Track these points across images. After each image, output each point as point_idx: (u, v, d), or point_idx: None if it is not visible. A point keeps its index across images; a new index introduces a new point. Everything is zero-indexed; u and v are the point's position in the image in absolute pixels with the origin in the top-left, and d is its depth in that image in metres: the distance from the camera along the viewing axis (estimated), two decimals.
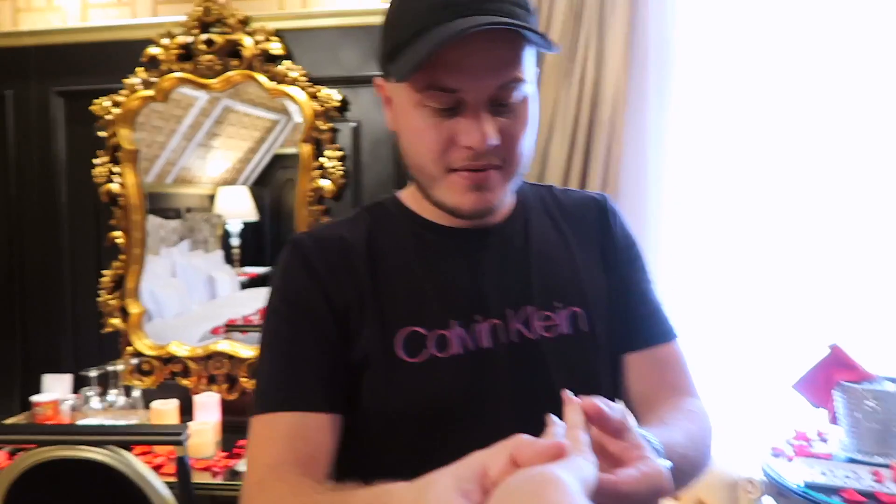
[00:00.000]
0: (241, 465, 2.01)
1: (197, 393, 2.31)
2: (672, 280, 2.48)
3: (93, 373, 2.30)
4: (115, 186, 2.34)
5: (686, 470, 0.68)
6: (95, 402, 2.29)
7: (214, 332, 2.48)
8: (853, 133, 2.29)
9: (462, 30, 0.65)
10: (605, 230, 0.88)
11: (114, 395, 2.33)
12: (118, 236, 2.37)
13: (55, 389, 2.38)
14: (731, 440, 2.34)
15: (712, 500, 2.19)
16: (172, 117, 2.45)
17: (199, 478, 1.97)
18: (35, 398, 2.28)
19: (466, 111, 0.70)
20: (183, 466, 1.65)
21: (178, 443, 1.63)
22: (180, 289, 2.63)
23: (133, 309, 2.39)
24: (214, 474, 1.99)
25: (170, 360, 2.41)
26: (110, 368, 2.34)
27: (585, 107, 2.38)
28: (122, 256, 2.38)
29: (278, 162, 2.54)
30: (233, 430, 2.19)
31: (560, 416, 0.79)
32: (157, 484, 1.65)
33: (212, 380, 2.36)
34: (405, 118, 0.74)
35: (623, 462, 0.55)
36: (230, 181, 2.58)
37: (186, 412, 2.25)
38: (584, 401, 0.53)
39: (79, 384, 2.38)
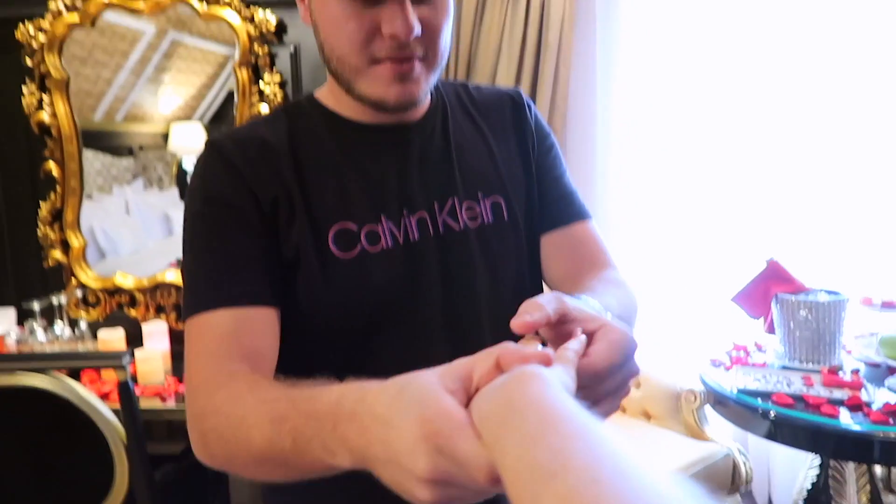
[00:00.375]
0: None
1: (145, 322, 2.29)
2: (618, 199, 2.51)
3: (36, 306, 2.26)
4: (45, 116, 2.25)
5: None
6: (41, 335, 2.26)
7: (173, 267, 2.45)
8: (787, 49, 2.31)
9: None
10: (520, 123, 0.89)
11: (59, 327, 2.30)
12: (52, 168, 2.29)
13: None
14: (673, 354, 2.43)
15: (657, 410, 2.27)
16: (118, 52, 2.35)
17: (149, 404, 1.98)
18: None
19: (389, 1, 0.69)
20: (126, 390, 1.64)
21: (120, 367, 1.63)
22: (135, 227, 2.58)
23: (74, 241, 2.34)
24: (164, 399, 2.00)
25: (116, 291, 2.38)
26: (54, 301, 2.31)
27: (532, 29, 2.34)
28: (58, 188, 2.31)
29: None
30: (181, 357, 2.18)
31: (481, 311, 0.80)
32: (103, 409, 1.65)
33: (160, 310, 2.34)
34: (323, 8, 0.72)
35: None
36: (184, 118, 2.50)
37: (136, 342, 2.24)
38: (514, 324, 0.52)
39: (23, 317, 2.34)
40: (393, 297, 0.76)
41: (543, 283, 0.91)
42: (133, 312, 2.36)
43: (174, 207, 2.59)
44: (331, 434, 0.49)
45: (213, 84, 2.41)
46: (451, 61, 2.41)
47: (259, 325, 0.71)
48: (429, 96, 0.83)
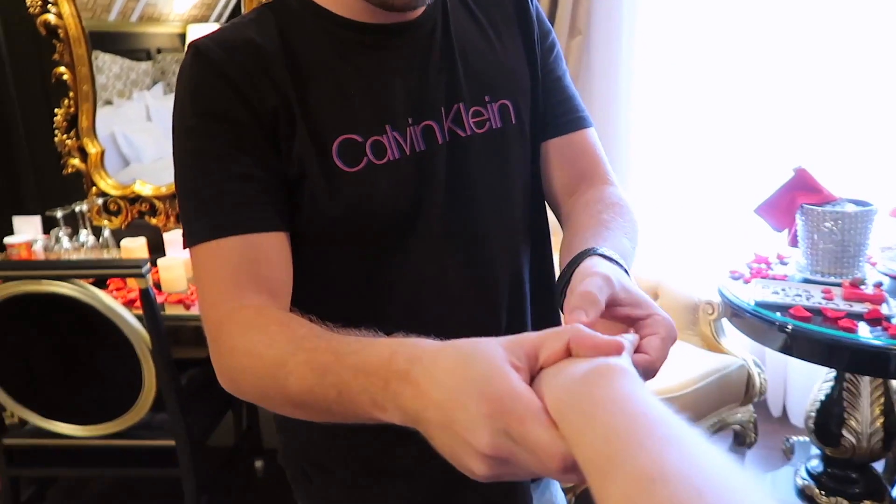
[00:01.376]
0: None
1: (167, 231, 2.32)
2: (640, 104, 2.42)
3: (59, 213, 2.29)
4: (51, 17, 2.18)
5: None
6: (66, 243, 2.30)
7: None
8: None
9: None
10: (524, 17, 0.83)
11: (84, 235, 2.34)
12: (63, 72, 2.25)
13: (25, 231, 2.38)
14: (692, 265, 2.41)
15: (675, 321, 2.28)
16: None
17: (172, 310, 2.03)
18: (7, 240, 2.29)
19: None
20: (147, 297, 1.68)
21: (140, 275, 1.65)
22: (156, 133, 2.56)
23: (91, 148, 2.34)
24: (188, 307, 2.05)
25: (136, 199, 2.39)
26: (76, 209, 2.33)
27: None
28: (70, 94, 2.28)
29: None
30: None
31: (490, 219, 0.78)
32: (127, 316, 1.70)
33: (180, 218, 2.35)
34: None
35: (632, 323, 0.55)
36: (201, 18, 2.41)
37: (158, 250, 2.27)
38: (569, 319, 0.50)
39: (48, 225, 2.38)
40: (401, 209, 0.74)
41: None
42: (154, 221, 2.38)
43: None
44: (382, 391, 0.48)
45: None
46: None
47: (272, 253, 0.68)
48: None
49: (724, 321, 2.18)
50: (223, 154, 0.68)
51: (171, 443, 1.85)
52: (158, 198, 2.35)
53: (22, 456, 1.94)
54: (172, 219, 2.37)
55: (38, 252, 2.30)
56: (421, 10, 0.76)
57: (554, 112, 0.84)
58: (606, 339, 0.44)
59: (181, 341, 2.38)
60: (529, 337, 0.45)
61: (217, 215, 0.67)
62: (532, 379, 0.43)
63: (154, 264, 2.24)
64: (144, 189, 2.37)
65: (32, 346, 1.79)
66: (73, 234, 2.34)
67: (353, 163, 0.71)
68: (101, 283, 2.18)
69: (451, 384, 0.43)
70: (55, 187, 2.45)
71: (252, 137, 0.69)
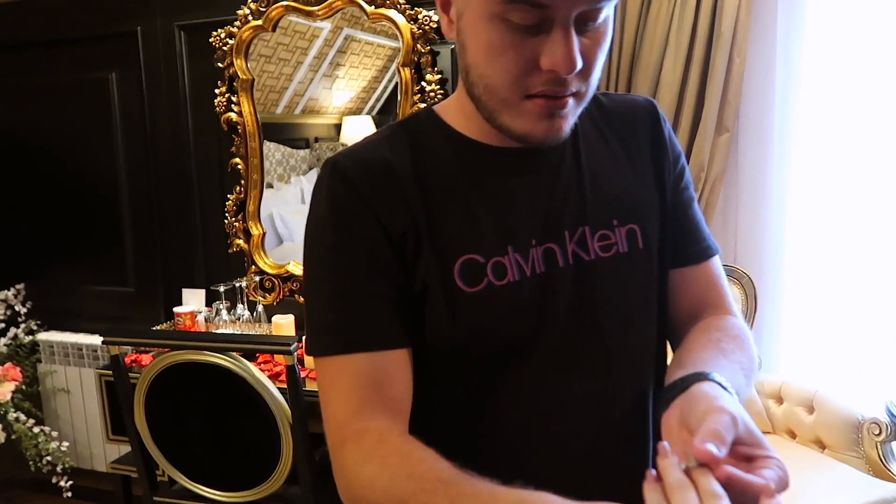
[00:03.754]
0: None
1: None
2: (796, 201, 2.31)
3: (221, 288, 2.52)
4: (233, 115, 2.47)
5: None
6: (225, 315, 2.52)
7: None
8: None
9: None
10: (657, 139, 0.82)
11: (240, 309, 2.54)
12: (238, 163, 2.53)
13: (192, 302, 2.63)
14: (855, 376, 2.19)
15: (832, 440, 2.06)
16: (298, 49, 2.54)
17: (313, 386, 2.13)
18: (176, 309, 2.54)
19: (552, 30, 0.62)
20: (292, 374, 1.78)
21: (288, 352, 1.76)
22: None
23: (254, 230, 2.57)
24: None
25: (289, 278, 2.58)
26: (237, 284, 2.55)
27: (704, 17, 2.19)
28: (242, 182, 2.55)
29: None
30: None
31: (610, 344, 0.77)
32: (273, 389, 1.81)
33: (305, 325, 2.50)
34: (476, 31, 0.65)
35: (750, 461, 0.56)
36: (355, 111, 2.65)
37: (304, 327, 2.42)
38: (698, 449, 0.51)
39: (211, 298, 2.62)
40: (519, 332, 0.73)
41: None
42: (302, 299, 2.55)
43: None
44: None
45: (382, 77, 2.51)
46: (613, 53, 2.32)
47: (396, 371, 0.70)
48: None
49: (894, 445, 1.95)
50: (357, 272, 0.71)
51: None
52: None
53: None
54: None
55: (201, 322, 2.53)
56: None
57: (683, 241, 0.84)
58: None
59: (318, 416, 2.48)
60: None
61: (347, 331, 0.70)
62: None
63: (300, 341, 2.39)
64: (297, 269, 2.55)
65: (187, 411, 1.94)
66: (232, 307, 2.55)
67: (473, 283, 0.72)
68: (251, 355, 2.35)
69: None
70: (221, 264, 2.71)
71: (384, 256, 0.71)
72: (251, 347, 2.00)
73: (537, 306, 0.74)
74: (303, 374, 2.19)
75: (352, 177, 0.72)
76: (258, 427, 1.86)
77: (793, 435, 2.20)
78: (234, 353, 1.81)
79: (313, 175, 2.75)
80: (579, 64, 0.63)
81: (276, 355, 2.25)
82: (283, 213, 2.72)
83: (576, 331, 0.75)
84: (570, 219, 0.76)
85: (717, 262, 0.86)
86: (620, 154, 0.81)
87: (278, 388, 1.82)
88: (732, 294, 2.30)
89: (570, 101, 0.68)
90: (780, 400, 2.25)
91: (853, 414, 2.02)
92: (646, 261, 0.79)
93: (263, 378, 1.80)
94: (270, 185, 2.70)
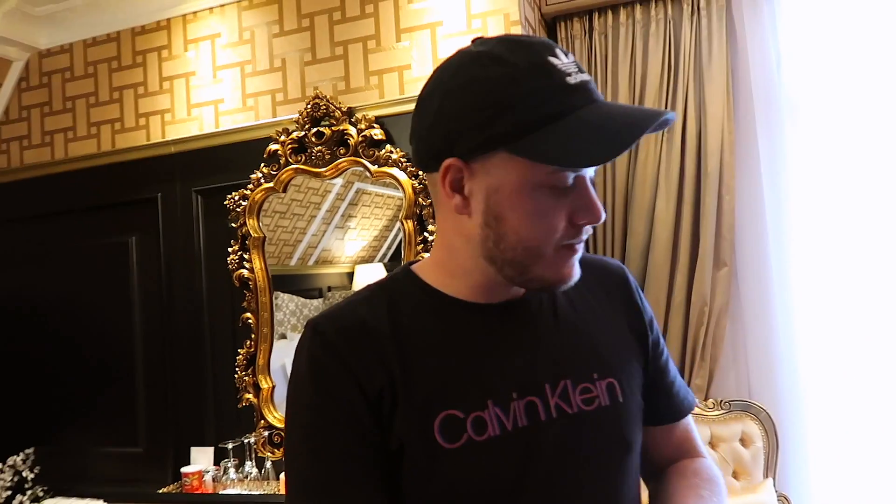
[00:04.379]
0: None
1: None
2: (810, 332, 2.29)
3: (230, 445, 2.48)
4: (245, 271, 2.56)
5: None
6: (233, 473, 2.46)
7: None
8: None
9: (653, 125, 0.67)
10: (629, 300, 0.88)
11: (248, 466, 2.49)
12: (249, 317, 2.58)
13: (200, 461, 2.58)
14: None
15: None
16: (311, 204, 2.67)
17: None
18: (183, 469, 2.49)
19: (578, 188, 0.71)
20: None
21: None
22: None
23: (264, 384, 2.57)
24: None
25: None
26: (245, 441, 2.51)
27: (690, 158, 2.30)
28: (252, 336, 2.59)
29: None
30: None
31: (591, 494, 0.78)
32: None
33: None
34: (520, 201, 0.70)
35: None
36: (367, 259, 2.73)
37: None
38: None
39: (220, 456, 2.57)
40: (500, 488, 0.73)
41: None
42: None
43: None
44: None
45: (392, 226, 2.61)
46: (608, 194, 2.42)
47: None
48: None
49: None
50: (334, 433, 0.72)
51: None
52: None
53: None
54: None
55: (208, 482, 2.47)
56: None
57: (663, 401, 0.89)
58: None
59: None
60: None
61: (323, 493, 0.70)
62: None
63: None
64: None
65: None
66: (240, 465, 2.50)
67: (453, 439, 0.72)
68: None
69: None
70: (231, 420, 2.68)
71: (361, 416, 0.72)
72: None
73: (519, 461, 0.73)
74: None
75: (330, 338, 0.75)
76: None
77: None
78: None
79: None
80: (605, 214, 0.72)
81: None
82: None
83: (557, 484, 0.75)
84: (551, 372, 0.77)
85: (690, 417, 0.93)
86: (597, 309, 0.84)
87: None
88: (750, 431, 2.21)
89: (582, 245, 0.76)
90: None
91: None
92: (626, 412, 0.80)
93: None
94: (284, 336, 2.73)
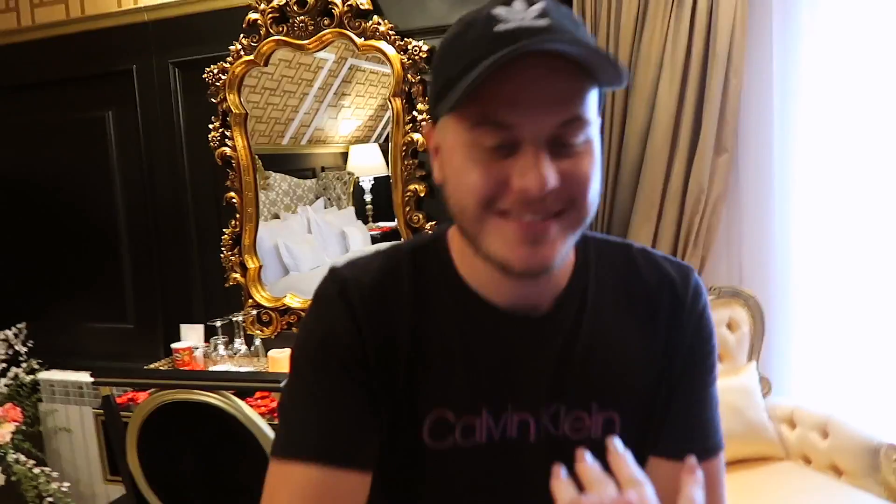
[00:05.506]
0: None
1: None
2: (798, 221, 2.26)
3: (218, 323, 2.49)
4: (227, 149, 2.47)
5: None
6: (222, 350, 2.49)
7: None
8: None
9: (517, 49, 0.56)
10: (675, 319, 0.75)
11: (238, 343, 2.51)
12: (233, 196, 2.52)
13: (190, 338, 2.61)
14: (871, 398, 2.12)
15: (849, 466, 1.98)
16: (303, 81, 2.55)
17: None
18: (174, 345, 2.52)
19: (523, 151, 0.61)
20: None
21: (278, 389, 1.72)
22: (314, 244, 2.77)
23: (250, 264, 2.55)
24: None
25: (286, 311, 2.55)
26: (234, 319, 2.52)
27: (699, 38, 2.16)
28: (237, 215, 2.54)
29: None
30: None
31: None
32: (265, 427, 1.76)
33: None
34: (452, 160, 0.65)
35: None
36: (362, 139, 2.65)
37: None
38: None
39: (210, 333, 2.59)
40: (477, 495, 0.72)
41: None
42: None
43: (350, 225, 2.76)
44: None
45: (388, 105, 2.51)
46: None
47: (345, 495, 0.67)
48: (569, 262, 0.74)
49: None
50: (333, 389, 0.69)
51: None
52: (306, 310, 2.49)
53: None
54: None
55: (199, 358, 2.50)
56: (552, 292, 0.73)
57: (678, 434, 0.75)
58: None
59: None
60: None
61: (309, 436, 0.67)
62: None
63: None
64: (294, 302, 2.52)
65: (181, 451, 1.90)
66: (229, 342, 2.52)
67: (439, 439, 0.71)
68: (249, 391, 2.31)
69: None
70: (219, 299, 2.68)
71: (361, 385, 0.70)
72: (241, 385, 1.96)
73: (499, 473, 0.72)
74: None
75: (350, 299, 0.71)
76: (252, 466, 1.81)
77: (808, 461, 2.11)
78: (226, 392, 1.77)
79: (320, 204, 2.75)
80: (551, 182, 0.60)
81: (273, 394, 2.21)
82: (290, 244, 2.70)
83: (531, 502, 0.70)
84: (549, 392, 0.73)
85: (716, 462, 0.75)
86: (629, 329, 0.75)
87: (273, 425, 1.77)
88: (738, 316, 2.21)
89: (554, 224, 0.64)
90: (792, 424, 2.17)
91: (870, 439, 1.94)
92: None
93: (255, 416, 1.76)
94: (277, 216, 2.69)
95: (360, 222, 2.77)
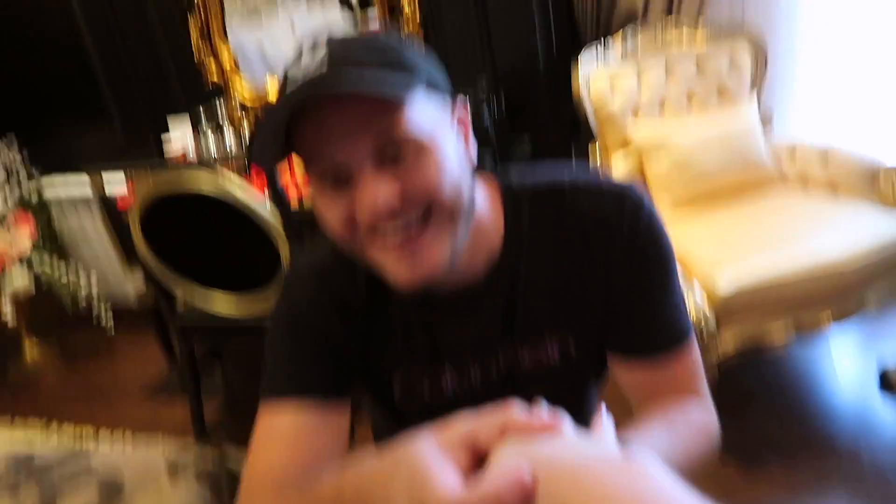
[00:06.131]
0: None
1: None
2: None
3: (202, 112, 2.42)
4: None
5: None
6: (211, 139, 2.45)
7: None
8: None
9: (296, 103, 0.59)
10: (612, 248, 0.76)
11: (226, 133, 2.47)
12: None
13: (178, 129, 2.56)
14: (872, 125, 2.06)
15: (848, 186, 1.96)
16: None
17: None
18: (165, 145, 2.49)
19: (354, 181, 0.63)
20: (275, 191, 1.75)
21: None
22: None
23: (224, 53, 2.41)
24: None
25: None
26: (217, 103, 2.45)
27: None
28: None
29: None
30: None
31: None
32: (259, 209, 1.78)
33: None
34: (314, 197, 0.68)
35: None
36: None
37: None
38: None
39: (195, 122, 2.54)
40: None
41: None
42: None
43: (335, 25, 2.55)
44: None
45: None
46: None
47: (325, 428, 0.73)
48: (494, 229, 0.77)
49: None
50: (303, 343, 0.77)
51: None
52: None
53: (192, 331, 2.18)
54: None
55: (190, 149, 2.47)
56: (486, 267, 0.77)
57: (636, 332, 0.78)
58: (544, 420, 0.42)
59: (317, 223, 2.48)
60: (461, 425, 0.44)
61: (284, 380, 0.75)
62: (475, 459, 0.43)
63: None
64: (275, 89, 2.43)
65: (187, 235, 1.95)
66: (217, 129, 2.47)
67: (409, 399, 0.80)
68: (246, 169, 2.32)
69: (386, 491, 0.46)
70: (197, 87, 2.59)
71: (329, 349, 0.77)
72: (229, 168, 1.94)
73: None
74: (296, 195, 2.17)
75: (314, 281, 0.79)
76: (255, 238, 1.86)
77: (805, 184, 2.11)
78: (218, 174, 1.77)
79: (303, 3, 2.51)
80: (382, 202, 0.62)
81: None
82: (272, 51, 2.54)
83: None
84: (506, 336, 0.78)
85: (682, 350, 0.77)
86: (568, 264, 0.77)
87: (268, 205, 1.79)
88: (740, 53, 2.09)
89: (427, 231, 0.65)
90: (793, 158, 2.13)
91: (869, 163, 1.91)
92: (578, 369, 0.81)
93: (248, 199, 1.77)
94: (257, 12, 2.48)
95: (347, 12, 2.55)
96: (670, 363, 0.77)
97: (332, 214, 0.65)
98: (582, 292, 0.77)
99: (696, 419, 0.74)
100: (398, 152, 0.63)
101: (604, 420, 0.48)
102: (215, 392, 2.50)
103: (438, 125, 0.66)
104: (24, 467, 1.14)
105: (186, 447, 1.12)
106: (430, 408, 0.79)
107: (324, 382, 0.75)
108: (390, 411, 0.83)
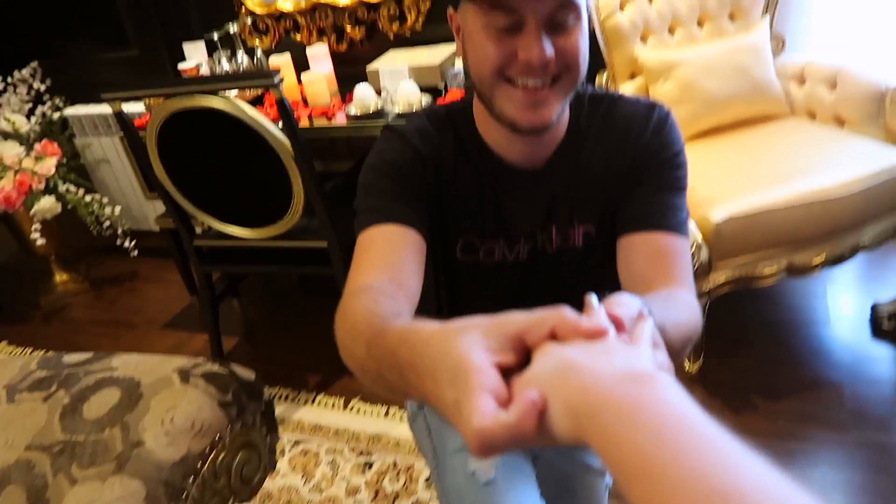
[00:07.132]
0: (352, 108, 2.14)
1: (310, 46, 2.39)
2: None
3: (216, 36, 2.44)
4: None
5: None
6: (226, 64, 2.47)
7: None
8: None
9: None
10: (639, 143, 0.91)
11: (240, 56, 2.49)
12: None
13: (194, 55, 2.58)
14: (881, 47, 2.02)
15: (853, 115, 1.96)
16: None
17: (319, 122, 2.15)
18: (180, 66, 2.51)
19: (526, 30, 0.77)
20: (283, 107, 1.78)
21: (273, 85, 1.74)
22: None
23: None
24: (330, 118, 2.15)
25: (280, 17, 2.47)
26: (230, 31, 2.46)
27: None
28: None
29: None
30: (345, 80, 2.29)
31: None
32: (269, 125, 1.82)
33: (321, 33, 2.41)
34: (471, 40, 0.81)
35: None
36: None
37: (303, 66, 2.36)
38: (609, 307, 0.50)
39: (211, 49, 2.56)
40: (495, 302, 0.80)
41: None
42: (298, 37, 2.46)
43: None
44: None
45: None
46: None
47: (410, 245, 0.85)
48: (564, 122, 0.91)
49: None
50: (391, 183, 0.89)
51: (324, 244, 2.03)
52: (300, 12, 2.40)
53: (209, 256, 2.25)
54: (315, 34, 2.42)
55: (206, 73, 2.50)
56: (548, 152, 0.92)
57: (641, 213, 0.89)
58: (592, 325, 0.44)
59: (327, 155, 2.53)
60: (513, 322, 0.45)
61: (380, 211, 0.87)
62: (519, 356, 0.44)
63: (299, 80, 2.35)
64: (286, 5, 2.43)
65: (201, 159, 2.00)
66: (232, 55, 2.50)
67: (468, 255, 0.97)
68: (258, 99, 2.35)
69: (435, 370, 0.46)
70: (211, 12, 2.60)
71: (415, 186, 0.90)
72: (236, 85, 1.98)
73: (513, 285, 1.00)
74: (306, 113, 2.21)
75: (409, 138, 0.92)
76: (267, 166, 1.90)
77: (812, 116, 2.11)
78: (228, 96, 1.80)
79: None
80: (548, 53, 0.76)
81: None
82: None
83: (545, 299, 0.75)
84: (545, 219, 0.95)
85: (678, 240, 0.87)
86: (607, 159, 0.92)
87: (279, 127, 1.83)
88: None
89: (550, 92, 0.80)
90: (802, 81, 2.12)
91: (877, 84, 1.89)
92: (596, 253, 0.96)
93: (258, 115, 1.81)
94: None
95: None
96: (667, 244, 0.87)
97: (493, 52, 0.79)
98: (610, 183, 0.92)
99: (688, 299, 0.81)
100: (565, 20, 0.77)
101: (594, 303, 0.50)
102: (234, 332, 2.59)
103: (585, 7, 0.80)
104: (54, 365, 1.23)
105: (196, 361, 1.19)
106: (482, 268, 0.97)
107: (416, 219, 0.87)
108: (448, 266, 0.99)
